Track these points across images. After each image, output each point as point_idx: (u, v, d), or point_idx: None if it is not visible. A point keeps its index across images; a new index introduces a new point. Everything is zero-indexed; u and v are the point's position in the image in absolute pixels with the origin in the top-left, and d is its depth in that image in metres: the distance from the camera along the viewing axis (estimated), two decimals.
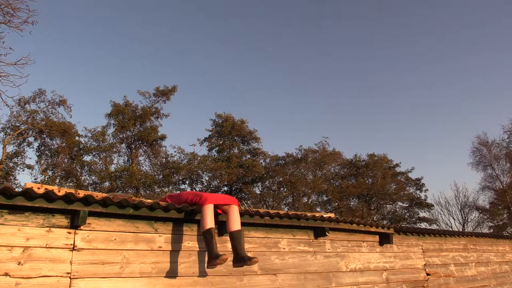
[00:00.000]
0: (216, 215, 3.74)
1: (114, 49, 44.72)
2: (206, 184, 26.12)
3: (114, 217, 3.36)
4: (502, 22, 48.04)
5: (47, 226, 3.03)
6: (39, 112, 23.55)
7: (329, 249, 4.85)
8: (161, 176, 24.55)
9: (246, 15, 52.98)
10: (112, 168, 24.18)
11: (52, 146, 23.85)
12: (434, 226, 28.82)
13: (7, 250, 2.80)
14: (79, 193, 4.25)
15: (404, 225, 14.23)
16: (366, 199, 29.76)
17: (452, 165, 48.37)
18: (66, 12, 40.14)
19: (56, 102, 23.84)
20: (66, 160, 24.07)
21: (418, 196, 31.66)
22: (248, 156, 28.06)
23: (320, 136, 53.33)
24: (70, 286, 2.95)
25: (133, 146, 24.78)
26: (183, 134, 49.75)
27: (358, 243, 5.23)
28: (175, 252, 3.60)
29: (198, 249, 3.76)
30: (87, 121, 57.92)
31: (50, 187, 5.18)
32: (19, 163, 22.87)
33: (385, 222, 27.70)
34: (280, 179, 27.37)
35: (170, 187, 24.80)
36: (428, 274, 5.87)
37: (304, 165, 28.07)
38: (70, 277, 2.98)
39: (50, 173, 23.82)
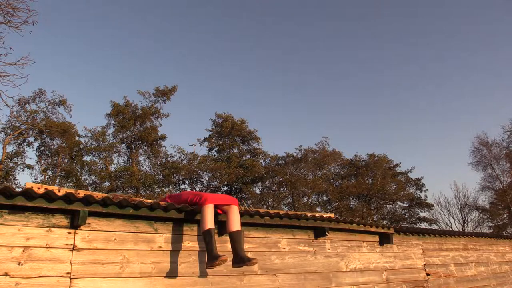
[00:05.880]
0: (216, 215, 3.74)
1: (114, 49, 44.77)
2: (206, 184, 26.15)
3: (114, 217, 3.36)
4: (502, 21, 48.06)
5: (47, 226, 3.03)
6: (39, 112, 23.59)
7: (329, 249, 4.85)
8: (161, 176, 24.57)
9: (246, 14, 53.00)
10: (112, 168, 24.21)
11: (52, 146, 23.88)
12: (434, 226, 28.85)
13: (7, 250, 2.80)
14: (79, 193, 4.25)
15: (404, 225, 14.23)
16: (366, 199, 29.76)
17: (452, 165, 48.41)
18: (66, 12, 40.16)
19: (56, 102, 23.89)
20: (66, 160, 24.08)
21: (418, 196, 31.71)
22: (248, 156, 28.08)
23: (320, 136, 53.34)
24: (70, 286, 2.95)
25: (133, 146, 24.79)
26: (183, 134, 49.81)
27: (358, 243, 5.23)
28: (175, 252, 3.60)
29: (198, 249, 3.76)
30: (87, 121, 57.96)
31: (50, 187, 5.19)
32: (19, 163, 22.91)
33: (385, 222, 27.72)
34: (280, 179, 27.38)
35: (170, 187, 24.82)
36: (428, 274, 5.87)
37: (304, 165, 28.08)
38: (70, 277, 2.98)
39: (50, 173, 23.85)
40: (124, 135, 24.60)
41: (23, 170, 23.18)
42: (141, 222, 3.51)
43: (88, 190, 18.14)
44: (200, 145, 28.51)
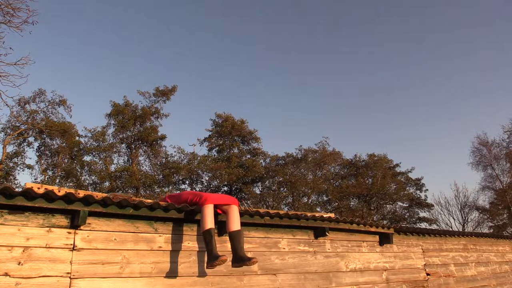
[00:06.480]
0: (216, 215, 3.74)
1: (114, 49, 44.76)
2: (206, 184, 26.14)
3: (114, 217, 3.36)
4: (502, 21, 48.05)
5: (47, 226, 3.03)
6: (39, 112, 23.60)
7: (329, 249, 4.85)
8: (161, 176, 24.57)
9: (246, 14, 53.01)
10: (112, 168, 24.21)
11: (52, 146, 23.89)
12: (434, 226, 28.85)
13: (7, 250, 2.80)
14: (79, 193, 4.25)
15: (404, 225, 14.23)
16: (366, 199, 29.75)
17: (452, 165, 48.42)
18: (66, 12, 40.16)
19: (56, 102, 23.90)
20: (66, 160, 24.09)
21: (418, 196, 31.69)
22: (248, 156, 28.07)
23: (320, 136, 53.36)
24: (70, 286, 2.95)
25: (133, 146, 24.78)
26: (183, 134, 49.78)
27: (358, 243, 5.23)
28: (175, 252, 3.60)
29: (198, 249, 3.76)
30: (87, 121, 57.97)
31: (50, 187, 5.18)
32: (19, 163, 22.92)
33: (385, 222, 27.70)
34: (280, 179, 27.37)
35: (170, 187, 24.81)
36: (428, 274, 5.87)
37: (304, 165, 28.06)
38: (70, 277, 2.98)
39: (50, 173, 23.85)
40: (124, 135, 24.61)
41: (23, 170, 23.22)
42: (141, 222, 3.51)
43: (88, 190, 18.14)
44: (200, 145, 28.53)
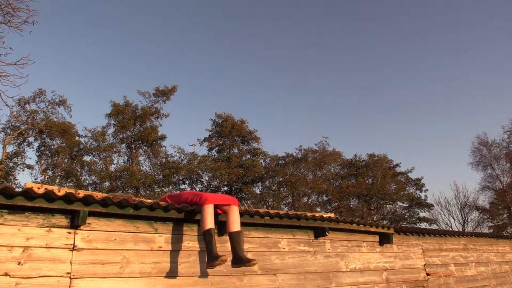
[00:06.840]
0: (216, 215, 3.74)
1: (114, 49, 44.76)
2: (206, 184, 26.14)
3: (114, 217, 3.36)
4: (502, 21, 48.03)
5: (47, 226, 3.03)
6: (39, 112, 23.61)
7: (329, 249, 4.85)
8: (161, 176, 24.57)
9: (246, 14, 53.00)
10: (112, 168, 24.21)
11: (52, 146, 23.88)
12: (434, 226, 28.84)
13: (7, 250, 2.80)
14: (79, 193, 4.25)
15: (404, 225, 14.23)
16: (366, 199, 29.75)
17: (452, 165, 48.37)
18: (66, 12, 40.16)
19: (56, 102, 23.91)
20: (66, 160, 24.08)
21: (418, 196, 31.70)
22: (248, 156, 28.08)
23: (320, 136, 53.38)
24: (70, 286, 2.95)
25: (133, 146, 24.79)
26: (183, 134, 49.77)
27: (358, 243, 5.23)
28: (175, 252, 3.60)
29: (198, 249, 3.76)
30: (87, 121, 57.98)
31: (50, 187, 5.18)
32: (19, 163, 22.91)
33: (385, 222, 27.70)
34: (280, 179, 27.37)
35: (170, 187, 24.81)
36: (428, 274, 5.87)
37: (304, 165, 28.07)
38: (70, 277, 2.98)
39: (50, 173, 23.84)
40: (124, 135, 24.62)
41: (23, 170, 23.21)
42: (141, 222, 3.51)
43: (88, 190, 18.13)
44: (200, 145, 28.57)
